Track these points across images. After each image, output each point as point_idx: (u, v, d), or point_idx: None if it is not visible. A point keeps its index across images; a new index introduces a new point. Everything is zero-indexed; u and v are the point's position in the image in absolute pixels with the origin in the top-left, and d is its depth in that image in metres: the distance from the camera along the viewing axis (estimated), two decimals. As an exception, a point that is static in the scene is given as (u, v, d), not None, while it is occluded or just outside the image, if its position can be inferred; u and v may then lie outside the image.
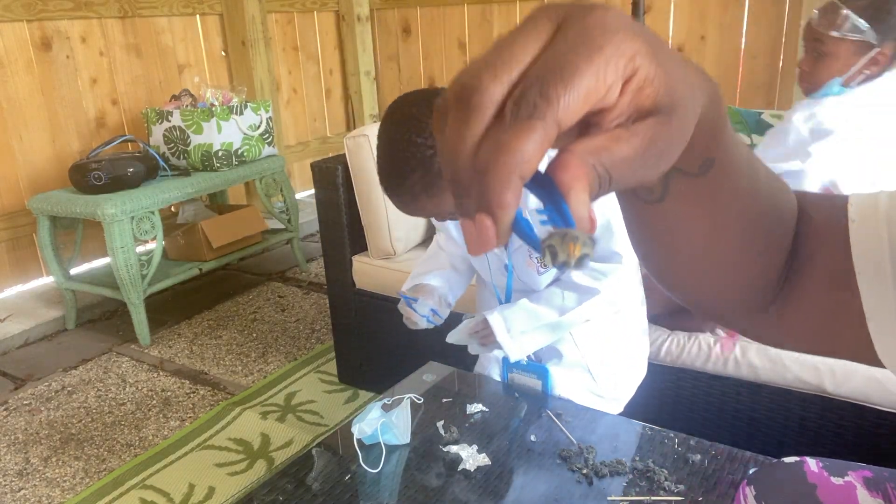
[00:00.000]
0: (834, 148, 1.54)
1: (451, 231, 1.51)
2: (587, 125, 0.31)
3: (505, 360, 1.45)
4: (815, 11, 1.54)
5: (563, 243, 0.30)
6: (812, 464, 0.81)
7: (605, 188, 0.31)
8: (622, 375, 1.51)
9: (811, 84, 1.58)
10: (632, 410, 1.44)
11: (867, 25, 1.43)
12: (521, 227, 0.31)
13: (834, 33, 1.46)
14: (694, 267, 0.48)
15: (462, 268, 1.54)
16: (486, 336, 1.34)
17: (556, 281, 1.37)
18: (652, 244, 0.47)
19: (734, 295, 0.50)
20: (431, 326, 1.39)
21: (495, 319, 1.31)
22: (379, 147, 1.14)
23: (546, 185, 0.31)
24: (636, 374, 1.54)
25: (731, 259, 0.47)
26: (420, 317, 1.37)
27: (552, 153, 0.32)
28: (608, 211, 1.31)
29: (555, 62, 0.29)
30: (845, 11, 1.44)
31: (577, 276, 1.32)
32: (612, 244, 1.32)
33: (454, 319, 1.45)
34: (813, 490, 0.78)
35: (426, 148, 1.07)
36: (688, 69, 0.34)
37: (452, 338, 1.41)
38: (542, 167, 0.31)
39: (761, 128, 2.08)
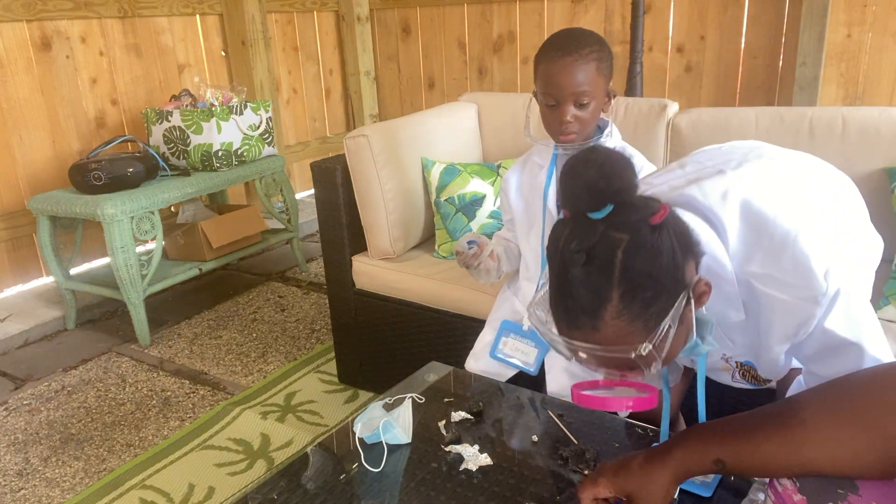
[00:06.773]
0: None
1: (510, 195, 1.63)
2: None
3: (501, 326, 1.61)
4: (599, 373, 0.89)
5: None
6: None
7: None
8: None
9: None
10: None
11: (669, 319, 0.82)
12: None
13: (654, 369, 0.84)
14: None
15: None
16: (472, 257, 1.54)
17: None
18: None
19: None
20: (472, 252, 1.56)
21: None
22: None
23: None
24: None
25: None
26: (462, 244, 1.57)
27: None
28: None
29: None
30: (635, 353, 0.81)
31: None
32: None
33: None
34: None
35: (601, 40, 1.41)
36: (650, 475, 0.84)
37: (460, 243, 1.58)
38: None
39: None
